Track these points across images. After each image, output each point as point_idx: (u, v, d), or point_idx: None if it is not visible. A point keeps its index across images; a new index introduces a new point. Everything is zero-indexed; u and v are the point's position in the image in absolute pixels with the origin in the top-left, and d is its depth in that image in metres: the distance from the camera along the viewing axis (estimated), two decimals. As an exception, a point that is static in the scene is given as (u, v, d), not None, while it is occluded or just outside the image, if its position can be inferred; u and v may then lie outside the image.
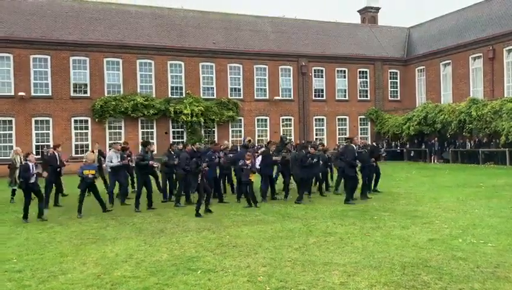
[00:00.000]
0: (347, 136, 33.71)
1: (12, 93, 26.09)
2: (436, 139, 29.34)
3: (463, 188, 15.06)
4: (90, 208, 12.24)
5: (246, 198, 12.18)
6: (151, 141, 25.96)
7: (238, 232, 8.91)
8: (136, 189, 12.97)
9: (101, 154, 15.30)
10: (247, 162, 12.11)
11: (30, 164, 10.65)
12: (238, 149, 16.27)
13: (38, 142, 26.36)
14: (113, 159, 13.09)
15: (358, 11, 42.92)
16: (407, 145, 31.87)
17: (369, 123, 35.28)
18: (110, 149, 14.88)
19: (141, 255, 7.29)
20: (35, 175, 10.61)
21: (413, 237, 8.11)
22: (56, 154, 13.17)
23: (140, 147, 15.27)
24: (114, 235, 8.91)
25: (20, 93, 26.00)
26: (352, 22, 41.18)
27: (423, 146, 30.49)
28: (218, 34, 32.04)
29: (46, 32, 27.31)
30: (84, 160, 12.11)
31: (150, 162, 12.09)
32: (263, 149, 14.54)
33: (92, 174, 11.26)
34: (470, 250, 7.13)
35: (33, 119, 26.57)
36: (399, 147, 32.60)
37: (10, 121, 26.11)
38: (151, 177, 12.75)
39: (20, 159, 13.32)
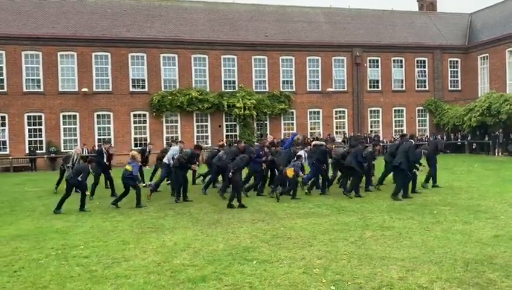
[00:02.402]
0: (403, 129, 32.72)
1: (77, 90, 27.55)
2: (500, 130, 27.70)
3: (531, 183, 14.14)
4: (151, 198, 12.77)
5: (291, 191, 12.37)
6: (206, 134, 26.48)
7: (292, 224, 8.92)
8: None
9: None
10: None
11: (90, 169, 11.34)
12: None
13: (100, 135, 27.70)
14: (175, 155, 13.20)
15: (415, -2, 41.24)
16: (469, 137, 30.36)
17: (427, 114, 33.93)
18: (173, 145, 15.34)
19: (198, 244, 7.49)
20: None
21: (476, 233, 7.75)
22: (103, 149, 13.96)
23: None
24: (172, 224, 9.22)
25: (84, 89, 27.41)
26: (409, 9, 39.63)
27: (486, 138, 28.91)
28: (270, 27, 32.01)
29: (106, 30, 28.55)
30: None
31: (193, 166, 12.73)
32: (316, 142, 14.45)
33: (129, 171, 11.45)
34: (540, 248, 6.71)
35: (95, 114, 27.92)
36: (460, 139, 31.13)
37: (75, 116, 27.61)
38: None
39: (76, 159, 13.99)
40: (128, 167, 11.49)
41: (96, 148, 15.58)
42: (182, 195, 12.30)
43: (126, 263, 6.58)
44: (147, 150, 16.04)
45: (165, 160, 13.61)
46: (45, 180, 18.19)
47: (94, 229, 9.05)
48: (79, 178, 11.12)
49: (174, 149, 13.70)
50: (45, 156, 26.43)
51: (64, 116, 27.45)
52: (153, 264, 6.45)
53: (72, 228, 9.21)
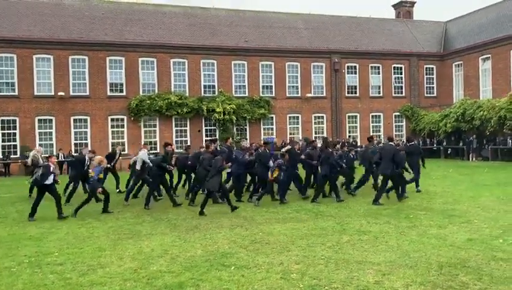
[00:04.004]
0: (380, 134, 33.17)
1: (53, 93, 27.04)
2: (474, 136, 28.41)
3: (504, 187, 14.51)
4: (133, 204, 12.59)
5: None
6: (185, 139, 26.29)
7: (270, 229, 8.93)
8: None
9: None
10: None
11: (51, 166, 10.98)
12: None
13: (77, 140, 27.25)
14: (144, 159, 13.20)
15: (392, 6, 42.05)
16: (444, 143, 31.01)
17: (404, 120, 34.55)
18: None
19: (176, 250, 7.43)
20: (53, 177, 10.87)
21: (450, 237, 7.90)
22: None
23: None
24: (150, 231, 9.12)
25: (60, 93, 26.92)
26: (387, 17, 40.40)
27: (461, 143, 29.57)
28: (250, 32, 32.13)
29: (84, 33, 28.16)
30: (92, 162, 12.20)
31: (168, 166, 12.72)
32: (288, 147, 14.52)
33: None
34: (511, 251, 6.88)
35: (72, 118, 27.45)
36: (435, 145, 31.76)
37: (51, 120, 27.07)
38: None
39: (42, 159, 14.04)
40: (92, 173, 11.29)
41: (77, 154, 15.46)
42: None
43: (102, 270, 6.48)
44: (118, 153, 16.18)
45: (137, 167, 13.31)
46: (19, 186, 17.76)
47: (69, 235, 8.88)
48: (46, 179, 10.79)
49: (143, 154, 13.43)
50: (19, 161, 25.81)
51: (39, 121, 26.90)
52: (129, 271, 6.36)
53: (46, 234, 9.02)
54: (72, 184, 13.77)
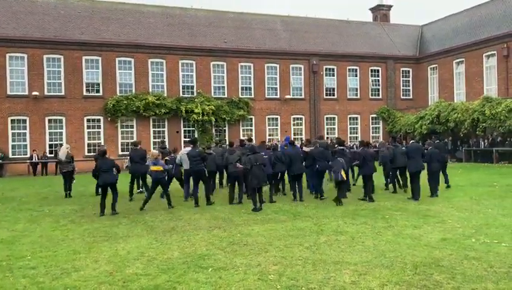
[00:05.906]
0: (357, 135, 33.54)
1: (27, 93, 26.43)
2: (450, 138, 29.03)
3: (476, 188, 14.89)
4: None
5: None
6: (163, 140, 25.99)
7: (249, 230, 8.92)
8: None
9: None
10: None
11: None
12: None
13: (52, 141, 26.70)
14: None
15: (370, 9, 42.69)
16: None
17: (380, 122, 35.06)
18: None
19: (152, 253, 7.34)
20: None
21: (425, 237, 8.04)
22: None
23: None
24: (126, 233, 8.99)
25: (34, 93, 26.33)
26: (364, 20, 40.95)
27: (436, 145, 30.14)
28: (229, 33, 32.09)
29: (59, 32, 27.62)
30: (148, 157, 12.71)
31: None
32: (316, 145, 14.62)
33: (159, 171, 11.62)
34: (483, 250, 7.05)
35: (46, 119, 26.88)
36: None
37: (24, 120, 26.46)
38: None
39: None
40: (156, 168, 11.59)
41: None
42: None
43: (76, 273, 6.35)
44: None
45: (186, 166, 12.81)
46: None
47: (43, 238, 8.68)
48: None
49: (187, 150, 13.08)
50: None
51: (12, 121, 26.25)
52: (104, 274, 6.25)
53: (19, 237, 8.79)
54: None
